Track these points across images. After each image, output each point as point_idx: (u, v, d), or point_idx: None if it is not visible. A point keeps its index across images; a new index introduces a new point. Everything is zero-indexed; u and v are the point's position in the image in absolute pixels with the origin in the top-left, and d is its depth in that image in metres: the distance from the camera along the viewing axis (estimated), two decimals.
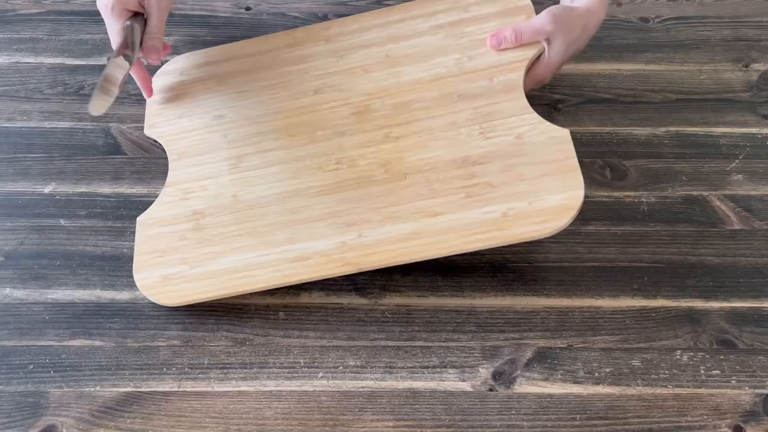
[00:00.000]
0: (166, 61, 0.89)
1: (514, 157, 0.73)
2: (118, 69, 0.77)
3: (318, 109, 0.81)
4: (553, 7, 0.80)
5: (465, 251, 0.70)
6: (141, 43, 0.79)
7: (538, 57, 0.80)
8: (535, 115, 0.75)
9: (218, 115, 0.83)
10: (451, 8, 0.85)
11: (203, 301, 0.72)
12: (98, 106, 0.77)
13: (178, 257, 0.74)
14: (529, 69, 0.81)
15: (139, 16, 0.80)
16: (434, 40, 0.83)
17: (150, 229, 0.76)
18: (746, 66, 0.92)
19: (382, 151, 0.76)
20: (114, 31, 0.78)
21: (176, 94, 0.86)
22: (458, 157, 0.74)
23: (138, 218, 0.77)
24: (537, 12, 0.82)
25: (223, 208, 0.76)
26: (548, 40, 0.79)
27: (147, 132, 0.83)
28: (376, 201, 0.73)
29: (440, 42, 0.83)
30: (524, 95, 0.77)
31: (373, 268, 0.71)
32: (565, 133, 0.74)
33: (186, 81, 0.87)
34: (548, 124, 0.74)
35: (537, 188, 0.71)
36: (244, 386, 0.70)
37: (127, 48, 0.78)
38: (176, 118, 0.84)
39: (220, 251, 0.73)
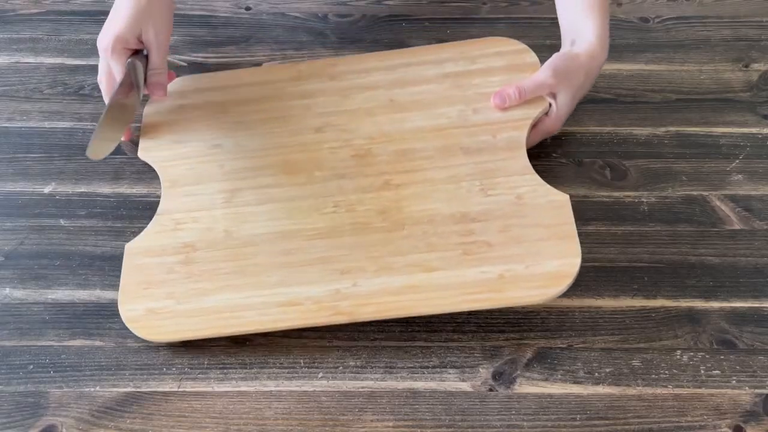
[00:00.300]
0: None
1: (512, 217, 0.73)
2: (126, 111, 0.76)
3: (318, 148, 0.80)
4: (553, 59, 0.80)
5: (460, 310, 0.70)
6: (144, 80, 0.79)
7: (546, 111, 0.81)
8: (536, 176, 0.75)
9: (215, 144, 0.81)
10: (459, 58, 0.85)
11: (189, 339, 0.71)
12: (100, 149, 0.75)
13: (165, 291, 0.72)
14: (537, 122, 0.80)
15: (138, 53, 0.79)
16: (440, 88, 0.83)
17: (138, 259, 0.74)
18: (746, 66, 0.92)
19: (381, 199, 0.75)
20: (116, 71, 0.77)
21: (173, 117, 0.84)
22: (457, 212, 0.74)
23: (126, 245, 0.75)
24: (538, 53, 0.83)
25: (214, 243, 0.75)
26: (553, 94, 0.79)
27: (140, 155, 0.82)
28: (372, 250, 0.73)
29: (446, 92, 0.82)
30: (526, 155, 0.77)
31: (366, 320, 0.70)
32: (564, 198, 0.74)
33: (184, 105, 0.85)
34: (548, 187, 0.75)
35: (534, 252, 0.70)
36: (244, 386, 0.70)
37: (132, 88, 0.77)
38: (172, 143, 0.82)
39: (208, 288, 0.72)
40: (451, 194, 0.75)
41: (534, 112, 0.80)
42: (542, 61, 0.92)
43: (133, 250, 0.75)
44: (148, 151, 0.82)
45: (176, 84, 0.87)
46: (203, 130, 0.83)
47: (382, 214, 0.74)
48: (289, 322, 0.70)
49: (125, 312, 0.72)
